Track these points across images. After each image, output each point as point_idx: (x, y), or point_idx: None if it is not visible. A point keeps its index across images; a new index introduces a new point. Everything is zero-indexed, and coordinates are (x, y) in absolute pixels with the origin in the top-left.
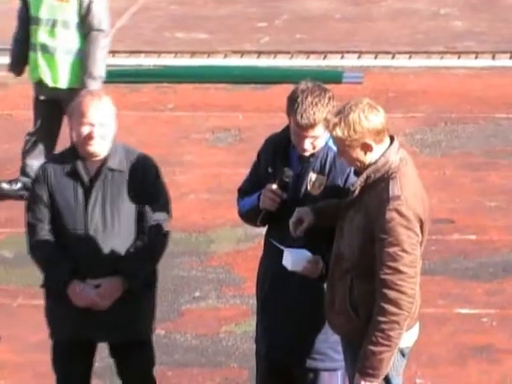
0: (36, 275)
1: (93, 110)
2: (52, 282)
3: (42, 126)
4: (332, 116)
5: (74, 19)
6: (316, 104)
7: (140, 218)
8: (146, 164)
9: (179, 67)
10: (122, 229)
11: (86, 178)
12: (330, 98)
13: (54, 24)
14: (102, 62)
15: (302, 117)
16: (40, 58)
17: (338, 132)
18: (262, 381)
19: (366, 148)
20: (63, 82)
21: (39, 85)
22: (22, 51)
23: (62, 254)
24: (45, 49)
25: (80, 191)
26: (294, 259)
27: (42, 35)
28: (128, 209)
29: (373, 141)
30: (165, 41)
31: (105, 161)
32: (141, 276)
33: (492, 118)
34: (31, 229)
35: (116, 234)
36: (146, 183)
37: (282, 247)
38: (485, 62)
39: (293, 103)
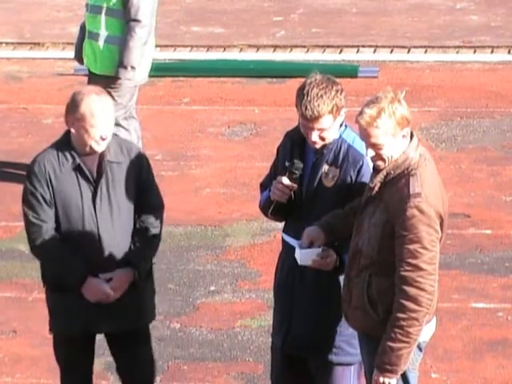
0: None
1: (102, 112)
2: (68, 279)
3: None
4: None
5: (117, 7)
6: (321, 96)
7: (137, 209)
8: (139, 155)
9: (195, 61)
10: (126, 221)
11: (90, 174)
12: (337, 91)
13: (99, 11)
14: (134, 52)
15: (306, 108)
16: (86, 44)
17: (385, 121)
18: (278, 374)
19: (407, 136)
20: (101, 68)
21: (88, 71)
22: (81, 38)
23: (73, 253)
24: (90, 35)
25: (85, 187)
26: (302, 253)
27: (89, 22)
28: (128, 201)
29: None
30: (181, 34)
31: (102, 154)
32: (146, 266)
33: (508, 113)
34: (36, 229)
35: (121, 227)
36: (142, 175)
37: (291, 242)
38: (501, 56)
39: (300, 95)
